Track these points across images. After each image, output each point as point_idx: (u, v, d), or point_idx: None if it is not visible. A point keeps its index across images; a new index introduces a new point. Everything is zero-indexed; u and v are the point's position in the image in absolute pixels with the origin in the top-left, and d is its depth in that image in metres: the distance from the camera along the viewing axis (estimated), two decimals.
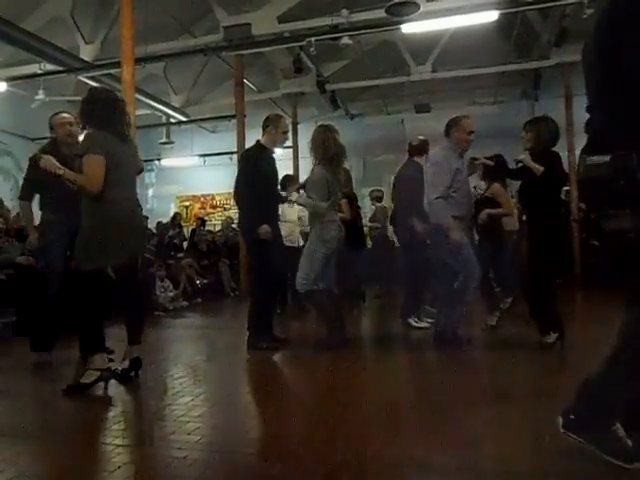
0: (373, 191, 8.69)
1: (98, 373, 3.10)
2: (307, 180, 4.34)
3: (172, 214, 12.22)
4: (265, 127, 4.37)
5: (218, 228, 11.53)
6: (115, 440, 2.25)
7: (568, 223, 9.28)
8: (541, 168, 3.68)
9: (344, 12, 7.68)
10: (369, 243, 8.71)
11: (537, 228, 3.86)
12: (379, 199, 8.55)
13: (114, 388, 3.24)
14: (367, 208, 9.18)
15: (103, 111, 3.21)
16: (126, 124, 3.35)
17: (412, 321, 4.99)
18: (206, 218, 12.44)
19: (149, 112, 10.59)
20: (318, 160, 4.15)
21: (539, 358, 3.67)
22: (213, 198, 13.70)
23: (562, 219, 4.16)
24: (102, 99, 3.28)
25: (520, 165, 3.95)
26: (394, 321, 5.28)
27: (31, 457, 2.22)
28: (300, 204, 4.55)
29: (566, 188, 9.64)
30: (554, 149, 3.90)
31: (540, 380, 3.24)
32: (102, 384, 3.15)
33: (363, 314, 6.64)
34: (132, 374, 3.32)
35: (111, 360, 3.35)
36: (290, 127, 10.93)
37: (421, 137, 5.10)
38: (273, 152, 4.50)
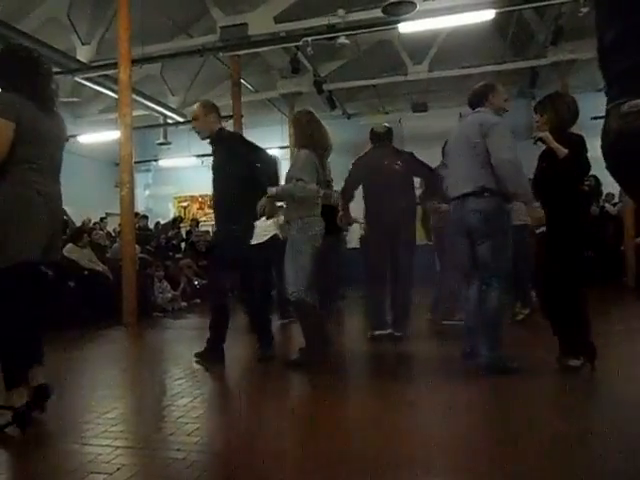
0: None
1: (10, 414, 2.36)
2: (292, 165, 3.79)
3: (171, 215, 12.25)
4: None
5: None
6: (114, 442, 2.24)
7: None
8: (565, 150, 3.07)
9: (341, 12, 7.69)
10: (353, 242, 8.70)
11: (559, 225, 3.17)
12: None
13: (112, 390, 3.24)
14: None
15: (22, 71, 2.53)
16: (52, 92, 2.65)
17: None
18: (204, 218, 12.43)
19: (146, 113, 10.58)
20: (304, 145, 3.70)
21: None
22: (211, 199, 13.67)
23: (586, 213, 3.46)
24: (22, 57, 2.59)
25: (539, 144, 3.27)
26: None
27: (29, 459, 2.21)
28: (289, 193, 3.64)
29: None
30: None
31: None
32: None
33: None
34: (37, 406, 2.51)
35: None
36: (287, 126, 11.07)
37: (386, 124, 4.89)
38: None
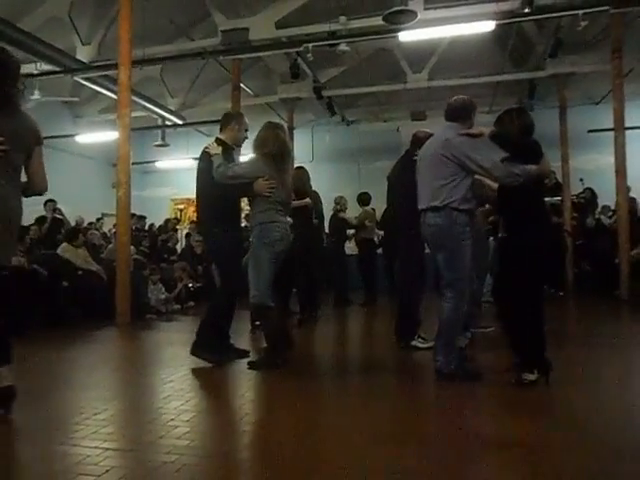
0: (361, 194, 8.46)
1: None
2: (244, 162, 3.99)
3: (166, 218, 12.18)
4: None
5: None
6: (103, 444, 2.23)
7: (561, 232, 9.33)
8: (479, 132, 3.23)
9: (342, 19, 7.73)
10: (354, 248, 8.67)
11: (518, 234, 3.17)
12: (366, 202, 8.33)
13: (103, 391, 3.22)
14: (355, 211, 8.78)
15: None
16: (15, 93, 2.65)
17: (417, 343, 4.33)
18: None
19: (145, 114, 10.58)
20: (262, 154, 3.79)
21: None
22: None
23: (548, 225, 3.42)
24: None
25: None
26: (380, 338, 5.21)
27: (18, 459, 2.19)
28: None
29: (558, 198, 9.74)
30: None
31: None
32: None
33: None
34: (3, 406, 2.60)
35: None
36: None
37: (427, 130, 4.33)
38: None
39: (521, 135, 3.21)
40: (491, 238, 4.89)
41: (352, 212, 8.60)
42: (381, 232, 8.10)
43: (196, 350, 3.87)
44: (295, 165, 5.82)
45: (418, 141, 4.17)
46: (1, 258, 2.58)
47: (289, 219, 4.01)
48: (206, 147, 3.90)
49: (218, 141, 3.93)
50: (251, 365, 3.75)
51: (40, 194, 2.81)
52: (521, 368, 3.11)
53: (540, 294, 3.22)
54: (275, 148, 3.74)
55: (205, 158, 3.86)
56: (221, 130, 4.08)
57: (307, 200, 5.85)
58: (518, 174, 3.06)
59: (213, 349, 3.86)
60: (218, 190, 3.75)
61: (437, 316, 3.44)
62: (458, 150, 3.24)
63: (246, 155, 4.31)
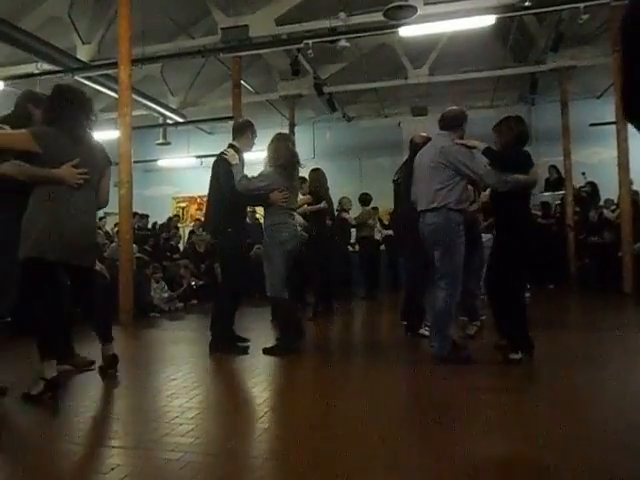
0: (362, 195, 8.74)
1: (43, 383, 2.85)
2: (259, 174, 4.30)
3: (169, 216, 12.22)
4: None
5: None
6: (109, 442, 2.24)
7: (559, 229, 9.37)
8: (478, 144, 3.59)
9: (342, 15, 7.71)
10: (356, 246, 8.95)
11: (506, 232, 3.68)
12: (366, 202, 8.64)
13: (108, 389, 3.23)
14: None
15: (65, 110, 3.05)
16: (88, 125, 3.27)
17: (424, 331, 4.52)
18: (202, 219, 12.37)
19: (146, 113, 10.59)
20: (274, 165, 4.23)
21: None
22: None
23: (531, 224, 3.96)
24: (67, 98, 3.11)
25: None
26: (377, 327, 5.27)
27: (25, 458, 2.21)
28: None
29: (561, 192, 9.73)
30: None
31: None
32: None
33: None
34: (110, 371, 3.38)
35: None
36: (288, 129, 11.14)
37: (424, 134, 4.68)
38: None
39: (516, 143, 3.62)
40: (487, 236, 5.15)
41: (357, 211, 8.82)
42: (388, 231, 8.63)
43: (215, 346, 4.27)
44: (312, 167, 6.32)
45: (416, 147, 4.50)
46: (84, 260, 3.16)
47: (301, 219, 4.34)
48: (223, 153, 4.23)
49: (234, 149, 4.27)
50: (265, 351, 4.14)
51: (101, 208, 3.42)
52: (508, 349, 3.56)
53: (519, 287, 3.78)
54: (287, 160, 4.19)
55: (224, 165, 4.20)
56: (235, 137, 4.42)
57: (322, 205, 6.16)
58: (507, 181, 3.50)
59: (229, 342, 4.30)
60: (234, 196, 4.14)
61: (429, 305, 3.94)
62: (454, 157, 3.61)
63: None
